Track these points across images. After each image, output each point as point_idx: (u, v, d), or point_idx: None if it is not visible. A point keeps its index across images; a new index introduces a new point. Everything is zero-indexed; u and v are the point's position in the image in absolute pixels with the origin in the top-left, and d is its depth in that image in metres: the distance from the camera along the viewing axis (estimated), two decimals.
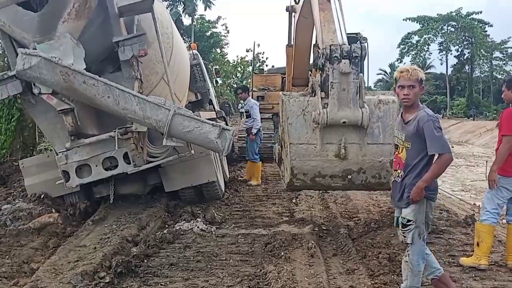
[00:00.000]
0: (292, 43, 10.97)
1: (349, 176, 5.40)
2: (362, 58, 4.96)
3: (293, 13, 9.78)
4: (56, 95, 6.15)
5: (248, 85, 15.23)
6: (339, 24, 5.38)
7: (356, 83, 5.00)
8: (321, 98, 5.20)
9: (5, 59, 10.70)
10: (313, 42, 11.29)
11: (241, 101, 10.74)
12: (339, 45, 4.92)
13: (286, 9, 10.05)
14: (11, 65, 6.67)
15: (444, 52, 54.29)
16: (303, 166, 5.42)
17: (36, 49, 5.95)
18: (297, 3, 9.84)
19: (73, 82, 5.83)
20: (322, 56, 5.05)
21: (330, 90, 5.04)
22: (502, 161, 4.82)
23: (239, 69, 51.00)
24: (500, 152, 4.83)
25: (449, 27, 51.98)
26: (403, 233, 3.84)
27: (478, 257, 4.91)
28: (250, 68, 49.51)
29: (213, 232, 6.27)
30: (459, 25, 50.35)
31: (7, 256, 5.36)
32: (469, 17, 49.71)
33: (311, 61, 11.43)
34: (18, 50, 6.03)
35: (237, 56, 52.11)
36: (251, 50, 48.08)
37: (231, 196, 8.58)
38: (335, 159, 5.30)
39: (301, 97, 5.37)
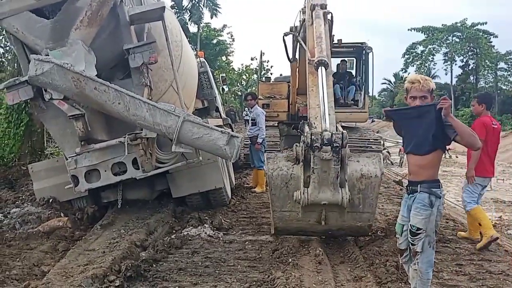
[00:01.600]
0: (296, 58, 11.12)
1: (330, 232, 5.85)
2: (343, 146, 5.04)
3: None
4: (67, 100, 6.22)
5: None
6: (323, 96, 5.37)
7: (337, 169, 5.13)
8: (304, 171, 5.34)
9: (15, 64, 10.84)
10: None
11: (246, 109, 10.80)
12: (320, 133, 4.98)
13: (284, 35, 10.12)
14: (23, 71, 6.76)
15: (448, 63, 54.24)
16: (286, 228, 5.84)
17: (48, 55, 6.04)
18: (291, 62, 10.10)
19: (85, 88, 5.91)
20: (303, 143, 5.19)
21: (312, 174, 5.19)
22: (477, 161, 6.01)
23: (244, 77, 51.19)
24: (474, 154, 5.92)
25: (454, 38, 51.94)
26: (413, 241, 3.88)
27: (487, 233, 5.87)
28: (255, 76, 49.80)
29: (221, 238, 6.32)
30: (464, 36, 50.36)
31: (17, 259, 5.43)
32: (474, 28, 49.71)
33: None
34: (30, 56, 6.11)
35: (242, 64, 52.30)
36: (256, 59, 48.40)
37: (237, 202, 8.62)
38: (316, 223, 5.59)
39: (284, 166, 5.49)
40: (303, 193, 5.24)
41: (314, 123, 5.41)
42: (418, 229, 3.81)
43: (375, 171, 5.33)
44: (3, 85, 6.59)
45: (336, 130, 5.25)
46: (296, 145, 5.49)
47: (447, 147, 4.12)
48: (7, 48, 15.08)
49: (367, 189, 5.36)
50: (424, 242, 3.82)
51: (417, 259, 3.89)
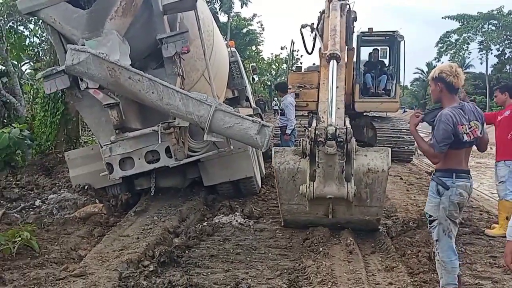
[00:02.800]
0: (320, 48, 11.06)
1: (339, 225, 5.84)
2: (347, 141, 5.10)
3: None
4: (102, 90, 6.35)
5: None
6: (332, 90, 5.52)
7: (342, 163, 5.20)
8: (310, 165, 5.45)
9: (51, 54, 11.09)
10: (347, 45, 11.40)
11: (275, 98, 10.86)
12: (324, 128, 5.07)
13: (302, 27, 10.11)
14: (60, 61, 6.92)
15: (484, 52, 52.87)
16: (295, 220, 6.00)
17: (84, 45, 6.17)
18: (309, 54, 10.31)
19: (119, 77, 6.02)
20: (307, 137, 5.30)
21: (317, 168, 5.28)
22: None
23: (273, 66, 51.01)
24: None
25: (489, 26, 50.55)
26: (429, 229, 4.02)
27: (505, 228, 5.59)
28: (285, 65, 49.47)
29: (251, 226, 6.38)
30: (501, 24, 48.94)
31: (56, 243, 5.62)
32: (511, 16, 48.27)
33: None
34: (67, 46, 6.25)
35: (272, 54, 52.10)
36: (286, 48, 48.11)
37: (267, 191, 8.66)
38: (324, 216, 5.70)
39: (291, 160, 5.61)
40: (309, 187, 5.36)
41: (322, 117, 5.47)
42: (430, 216, 3.91)
43: (382, 166, 5.36)
44: (41, 75, 6.78)
45: (344, 125, 5.28)
46: (302, 139, 5.58)
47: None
48: (44, 38, 15.45)
49: (374, 183, 5.40)
50: (439, 230, 3.86)
51: (437, 249, 3.93)
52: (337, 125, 5.16)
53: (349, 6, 7.09)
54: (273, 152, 5.80)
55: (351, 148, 5.29)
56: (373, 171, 5.36)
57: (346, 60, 6.42)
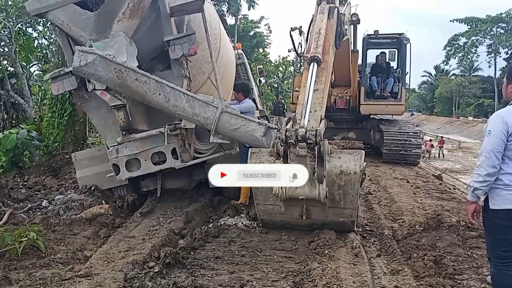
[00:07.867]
0: None
1: (315, 226, 5.82)
2: (316, 143, 5.11)
3: None
4: (110, 91, 6.40)
5: (289, 85, 15.34)
6: (308, 93, 5.55)
7: (313, 165, 5.22)
8: None
9: (59, 56, 11.17)
10: (351, 48, 11.38)
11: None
12: (294, 130, 5.12)
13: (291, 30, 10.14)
14: (67, 62, 6.97)
15: (492, 55, 52.64)
16: (271, 220, 6.00)
17: (92, 47, 6.22)
18: (300, 56, 10.09)
19: (126, 79, 6.07)
20: (279, 139, 5.34)
21: None
22: None
23: (280, 69, 51.05)
24: None
25: (498, 29, 50.35)
26: None
27: None
28: (292, 68, 49.49)
29: (257, 228, 6.35)
30: (510, 27, 48.77)
31: (62, 244, 5.64)
32: None
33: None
34: (75, 47, 6.32)
35: (279, 56, 52.09)
36: (293, 51, 48.16)
37: None
38: (300, 217, 5.70)
39: (266, 161, 5.61)
40: (281, 188, 5.36)
41: (298, 120, 5.48)
42: None
43: (354, 168, 5.35)
44: (49, 76, 6.83)
45: (319, 127, 5.28)
46: (276, 141, 5.61)
47: None
48: (52, 40, 15.57)
49: (347, 185, 5.40)
50: None
51: None
52: (312, 127, 5.21)
53: (338, 9, 7.08)
54: (249, 153, 5.79)
55: (324, 150, 5.30)
56: (345, 173, 5.36)
57: (330, 62, 6.48)
